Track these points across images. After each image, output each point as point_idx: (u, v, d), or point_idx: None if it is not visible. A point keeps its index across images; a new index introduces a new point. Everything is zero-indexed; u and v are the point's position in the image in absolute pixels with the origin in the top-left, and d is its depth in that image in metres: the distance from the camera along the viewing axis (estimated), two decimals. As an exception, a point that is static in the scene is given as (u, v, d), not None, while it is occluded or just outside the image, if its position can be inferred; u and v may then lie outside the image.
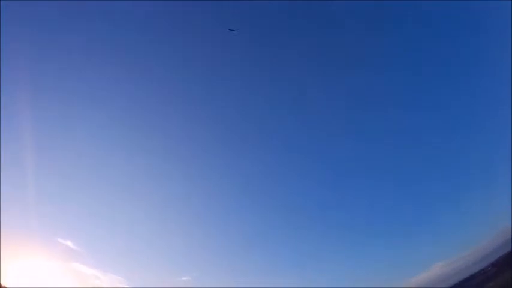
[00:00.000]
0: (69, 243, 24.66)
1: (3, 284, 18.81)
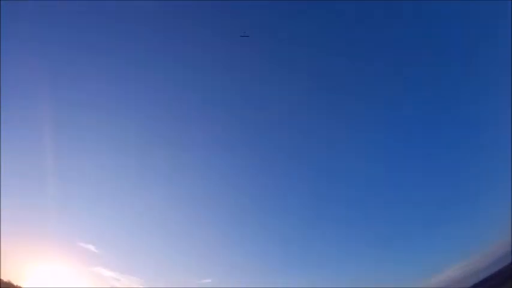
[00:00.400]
0: (90, 246, 25.66)
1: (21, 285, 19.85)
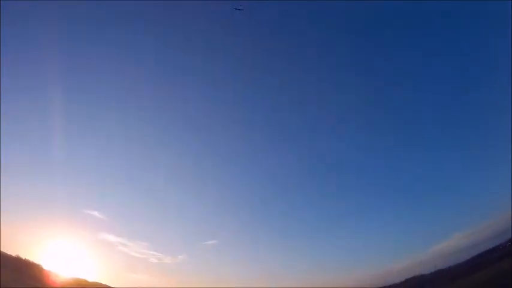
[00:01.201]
0: (96, 213, 25.19)
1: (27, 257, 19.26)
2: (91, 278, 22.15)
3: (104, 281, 22.94)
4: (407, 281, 23.73)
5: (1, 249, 19.16)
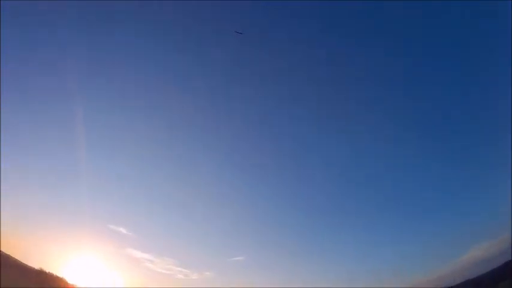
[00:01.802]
0: (122, 229, 26.02)
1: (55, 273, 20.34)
2: (116, 294, 23.08)
3: (129, 297, 23.85)
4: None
5: (3, 251, 20.11)
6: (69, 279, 20.22)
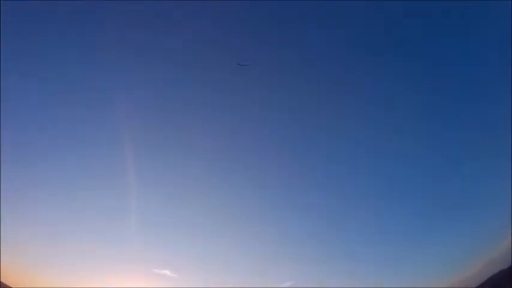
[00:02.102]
0: (166, 272, 24.98)
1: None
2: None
3: None
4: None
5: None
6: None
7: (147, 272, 24.41)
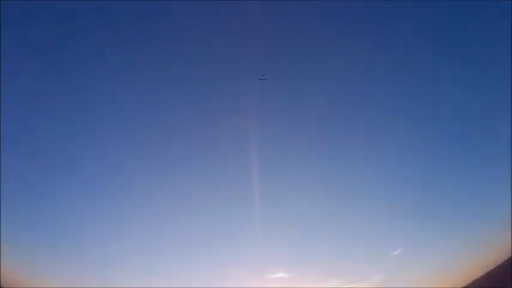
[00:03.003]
0: (281, 274, 24.42)
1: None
2: None
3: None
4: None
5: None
6: None
7: (262, 278, 23.87)
